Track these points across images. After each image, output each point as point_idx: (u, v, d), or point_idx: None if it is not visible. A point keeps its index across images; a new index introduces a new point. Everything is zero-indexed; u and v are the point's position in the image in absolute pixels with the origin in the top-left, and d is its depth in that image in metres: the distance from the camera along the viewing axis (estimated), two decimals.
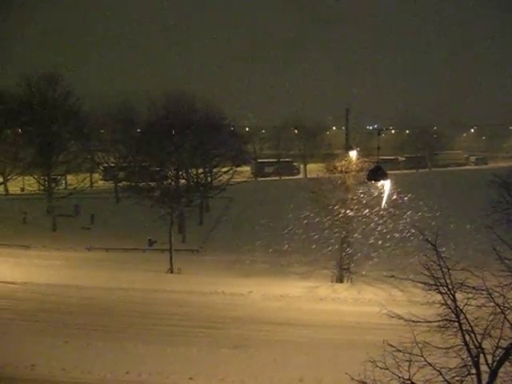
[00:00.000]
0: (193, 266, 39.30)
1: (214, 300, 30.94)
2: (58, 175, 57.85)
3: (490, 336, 11.07)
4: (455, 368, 11.37)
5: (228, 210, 56.47)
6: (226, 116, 62.13)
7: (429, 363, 11.35)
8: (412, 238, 34.68)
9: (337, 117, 73.63)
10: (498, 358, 11.04)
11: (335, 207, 34.85)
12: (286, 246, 42.24)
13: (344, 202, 34.78)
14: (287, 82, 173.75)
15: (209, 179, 55.23)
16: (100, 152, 64.81)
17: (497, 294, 11.31)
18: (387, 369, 11.51)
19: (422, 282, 12.11)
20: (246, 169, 75.87)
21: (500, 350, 11.00)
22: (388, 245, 39.03)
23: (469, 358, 11.24)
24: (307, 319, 27.15)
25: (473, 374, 11.27)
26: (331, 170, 36.69)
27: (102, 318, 27.12)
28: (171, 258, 37.97)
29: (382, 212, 34.83)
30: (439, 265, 11.65)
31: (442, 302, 11.67)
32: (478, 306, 11.38)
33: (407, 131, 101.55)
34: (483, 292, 11.34)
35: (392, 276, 28.91)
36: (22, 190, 65.75)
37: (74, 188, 55.01)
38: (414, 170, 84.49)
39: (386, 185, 29.89)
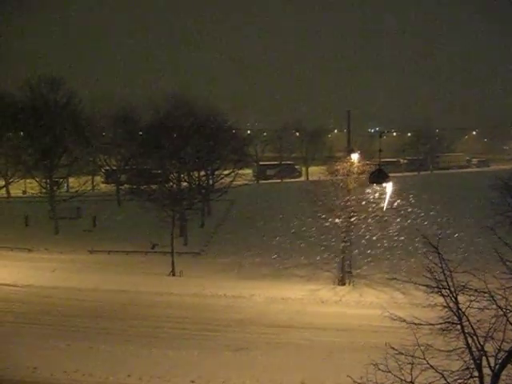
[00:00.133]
0: (194, 268, 39.30)
1: (216, 303, 30.91)
2: (59, 178, 57.83)
3: (493, 339, 11.04)
4: (457, 371, 11.35)
5: (230, 213, 56.40)
6: (228, 118, 62.20)
7: (431, 366, 11.33)
8: (414, 240, 34.67)
9: (338, 119, 73.68)
10: (500, 360, 11.02)
11: (337, 210, 34.86)
12: (288, 248, 42.24)
13: (346, 204, 34.76)
14: (289, 85, 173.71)
15: (210, 182, 55.19)
16: (102, 155, 64.82)
17: (499, 297, 11.30)
18: (389, 372, 11.49)
19: (423, 285, 12.08)
20: (248, 171, 75.80)
21: (502, 353, 10.97)
22: (390, 247, 39.02)
23: (471, 361, 11.22)
24: (309, 322, 27.12)
25: (475, 377, 11.24)
26: (333, 172, 36.69)
27: (104, 321, 27.14)
28: (173, 260, 37.97)
29: (383, 214, 34.83)
30: (441, 267, 11.63)
31: (444, 304, 11.65)
32: (480, 309, 11.36)
33: (409, 134, 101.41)
34: (485, 294, 11.32)
35: (394, 278, 28.86)
36: (24, 192, 65.84)
37: (76, 191, 55.02)
38: (416, 173, 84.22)
39: (387, 187, 29.95)
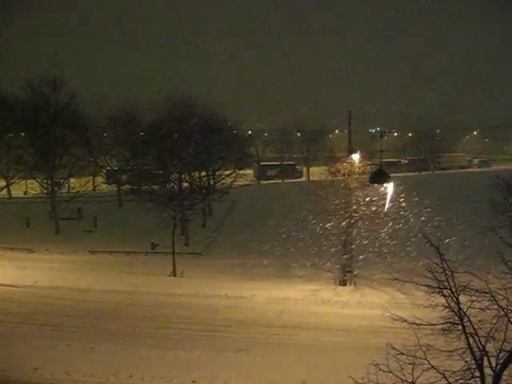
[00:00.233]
0: (195, 269, 39.30)
1: (217, 303, 30.89)
2: (60, 179, 57.92)
3: (494, 339, 11.02)
4: (459, 371, 11.32)
5: (231, 213, 56.44)
6: (229, 119, 62.23)
7: (432, 366, 11.31)
8: (415, 241, 34.65)
9: (339, 120, 73.57)
10: (501, 360, 10.99)
11: (338, 210, 34.84)
12: (289, 248, 42.23)
13: (347, 204, 34.75)
14: (290, 85, 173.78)
15: (212, 182, 55.22)
16: (103, 155, 64.87)
17: (500, 297, 11.27)
18: (390, 372, 11.47)
19: (425, 285, 12.06)
20: (249, 172, 75.85)
21: (504, 353, 10.95)
22: (391, 247, 38.99)
23: (472, 361, 11.19)
24: (310, 322, 27.10)
25: (476, 377, 11.22)
26: (334, 172, 36.71)
27: (105, 322, 27.12)
28: (174, 261, 37.97)
29: (384, 215, 34.81)
30: (442, 267, 11.61)
31: (446, 304, 11.62)
32: (481, 309, 11.33)
33: (410, 134, 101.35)
34: (487, 295, 11.30)
35: (395, 279, 28.79)
36: (25, 193, 65.91)
37: (77, 191, 55.12)
38: (417, 173, 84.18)
39: (388, 187, 29.91)
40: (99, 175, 69.88)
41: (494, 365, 11.06)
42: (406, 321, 12.55)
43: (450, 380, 11.24)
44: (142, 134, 61.66)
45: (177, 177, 46.63)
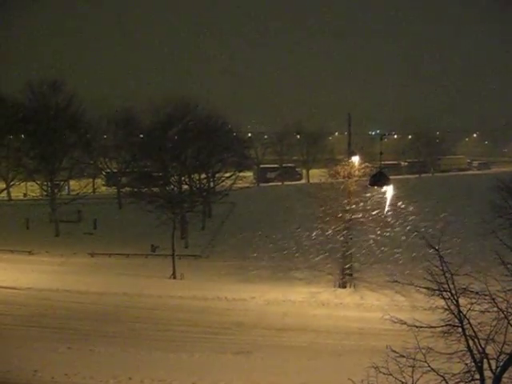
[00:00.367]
0: (195, 271, 39.28)
1: (217, 305, 30.86)
2: (60, 181, 57.97)
3: (494, 341, 11.02)
4: (459, 373, 11.31)
5: (231, 216, 56.42)
6: (229, 121, 62.31)
7: (432, 369, 11.31)
8: (415, 243, 34.60)
9: (339, 122, 73.62)
10: (501, 363, 10.99)
11: (338, 212, 34.83)
12: (289, 251, 42.20)
13: (346, 207, 34.74)
14: (289, 86, 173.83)
15: (211, 184, 55.25)
16: (103, 157, 64.94)
17: (500, 299, 11.28)
18: (390, 374, 11.46)
19: (425, 287, 12.07)
20: (249, 174, 75.90)
21: (504, 356, 10.94)
22: (391, 250, 38.96)
23: (472, 364, 11.19)
24: (310, 324, 27.07)
25: (476, 380, 11.21)
26: (334, 175, 36.73)
27: (105, 324, 27.07)
28: (174, 263, 37.95)
29: (384, 217, 34.79)
30: (442, 270, 11.62)
31: (446, 307, 11.63)
32: (481, 311, 11.34)
33: (409, 136, 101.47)
34: (486, 297, 11.30)
35: (395, 281, 28.78)
36: (25, 195, 65.98)
37: (77, 193, 55.20)
38: (417, 175, 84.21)
39: (388, 190, 29.91)
40: (99, 177, 69.96)
41: (493, 367, 11.06)
42: (405, 323, 12.55)
43: (450, 382, 11.23)
44: (141, 136, 61.71)
45: (176, 179, 46.65)
